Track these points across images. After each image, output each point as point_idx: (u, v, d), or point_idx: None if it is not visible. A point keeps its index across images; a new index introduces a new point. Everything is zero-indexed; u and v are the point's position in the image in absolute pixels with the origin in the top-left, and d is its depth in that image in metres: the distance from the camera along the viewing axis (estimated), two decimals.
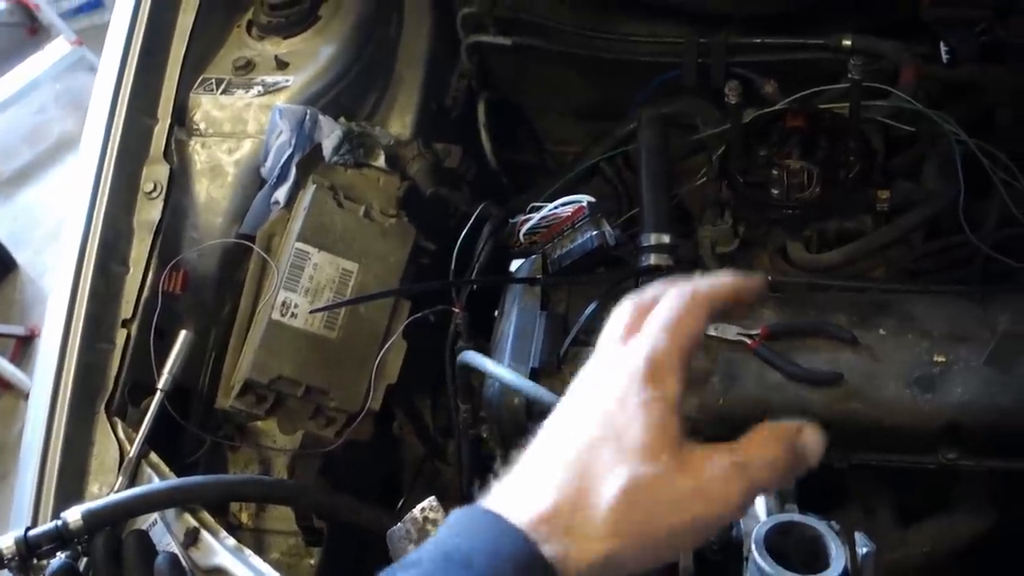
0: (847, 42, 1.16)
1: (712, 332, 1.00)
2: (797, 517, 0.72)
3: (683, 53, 1.23)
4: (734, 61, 1.22)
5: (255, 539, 1.10)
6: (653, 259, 1.02)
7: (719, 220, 1.10)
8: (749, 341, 0.98)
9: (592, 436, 0.50)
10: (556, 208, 0.99)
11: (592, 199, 0.98)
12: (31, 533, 0.87)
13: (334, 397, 1.05)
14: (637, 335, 0.54)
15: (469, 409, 1.06)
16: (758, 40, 1.22)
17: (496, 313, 1.08)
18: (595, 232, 0.96)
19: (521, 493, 0.50)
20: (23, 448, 1.01)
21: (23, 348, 3.57)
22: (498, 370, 0.85)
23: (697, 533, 0.50)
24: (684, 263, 1.05)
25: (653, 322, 0.54)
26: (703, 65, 1.25)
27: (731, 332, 0.99)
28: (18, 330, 3.58)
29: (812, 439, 0.53)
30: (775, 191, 1.06)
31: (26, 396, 3.32)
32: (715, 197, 1.12)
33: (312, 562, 1.09)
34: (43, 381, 1.01)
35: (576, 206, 0.97)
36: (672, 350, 0.52)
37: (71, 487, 0.99)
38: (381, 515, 1.02)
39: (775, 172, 1.06)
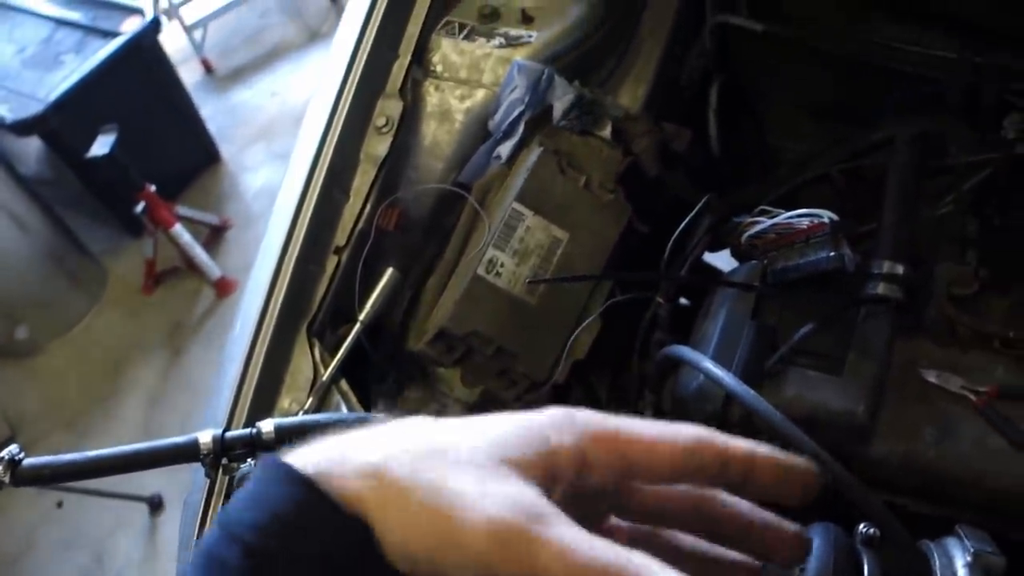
0: None
1: (933, 379, 0.93)
2: None
3: (953, 70, 1.13)
4: (1009, 88, 1.11)
5: None
6: (882, 289, 0.95)
7: (960, 259, 1.01)
8: (974, 398, 0.90)
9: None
10: (792, 218, 0.94)
11: (835, 217, 0.92)
12: (228, 434, 0.91)
13: (522, 362, 1.05)
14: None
15: (654, 400, 1.04)
16: None
17: (700, 310, 1.05)
18: (832, 253, 0.90)
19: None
20: (229, 347, 1.06)
21: (215, 236, 3.82)
22: (719, 373, 0.81)
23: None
24: (913, 298, 0.98)
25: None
26: (971, 86, 1.14)
27: (955, 384, 0.92)
28: (213, 219, 3.83)
29: None
30: None
31: (211, 283, 3.55)
32: (960, 232, 1.03)
33: None
34: (257, 291, 1.06)
35: (817, 221, 0.91)
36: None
37: (264, 397, 1.03)
38: None
39: None
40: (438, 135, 1.16)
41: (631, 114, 1.17)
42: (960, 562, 0.74)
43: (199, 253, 3.52)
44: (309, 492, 0.42)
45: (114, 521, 2.99)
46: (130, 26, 3.61)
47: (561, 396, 1.15)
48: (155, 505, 2.97)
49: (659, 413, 1.05)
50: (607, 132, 1.14)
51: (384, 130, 1.13)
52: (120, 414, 3.34)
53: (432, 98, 1.18)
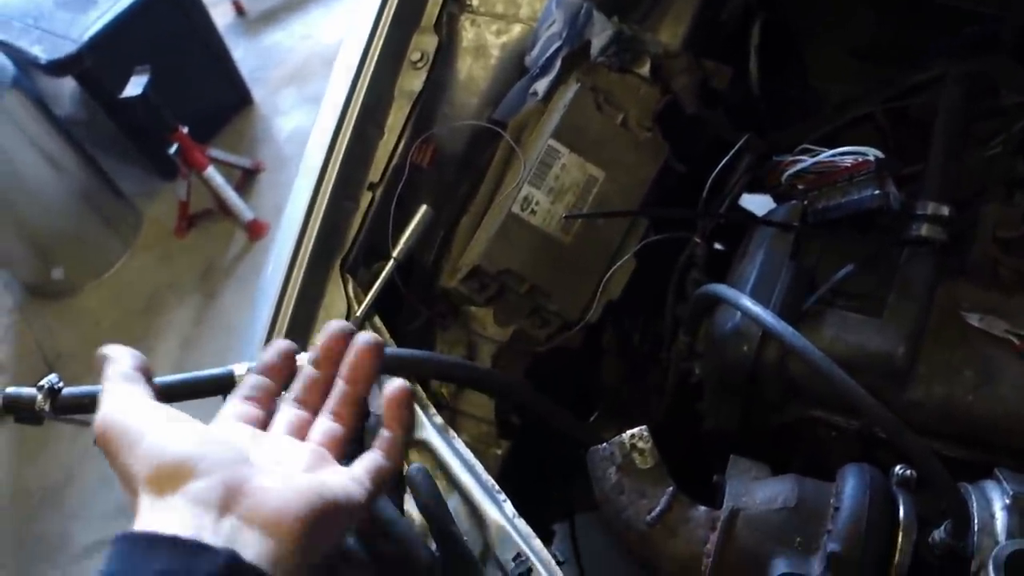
0: None
1: (976, 323, 0.91)
2: None
3: (1006, 6, 1.09)
4: None
5: (450, 418, 1.13)
6: (926, 230, 0.93)
7: (1008, 200, 0.98)
8: (1017, 341, 0.88)
9: None
10: (835, 156, 0.91)
11: (880, 154, 0.90)
12: None
13: (555, 301, 1.04)
14: None
15: (688, 342, 1.03)
16: None
17: (737, 251, 1.03)
18: (877, 191, 0.88)
19: None
20: (262, 285, 1.07)
21: (247, 179, 3.82)
22: (757, 310, 0.80)
23: None
24: (957, 241, 0.95)
25: None
26: None
27: (999, 327, 0.90)
28: (245, 162, 3.82)
29: None
30: None
31: (244, 225, 3.57)
32: (1007, 173, 1.00)
33: (499, 452, 1.11)
34: (291, 227, 1.05)
35: (861, 159, 0.89)
36: None
37: (298, 332, 1.04)
38: (582, 427, 1.03)
39: None
40: (474, 71, 1.14)
41: (670, 51, 1.14)
42: (999, 504, 0.73)
43: (231, 196, 3.52)
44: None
45: None
46: None
47: (594, 336, 1.14)
48: None
49: (693, 355, 1.05)
50: (646, 69, 1.12)
51: (419, 65, 1.11)
52: (154, 355, 3.38)
53: (468, 33, 1.16)
